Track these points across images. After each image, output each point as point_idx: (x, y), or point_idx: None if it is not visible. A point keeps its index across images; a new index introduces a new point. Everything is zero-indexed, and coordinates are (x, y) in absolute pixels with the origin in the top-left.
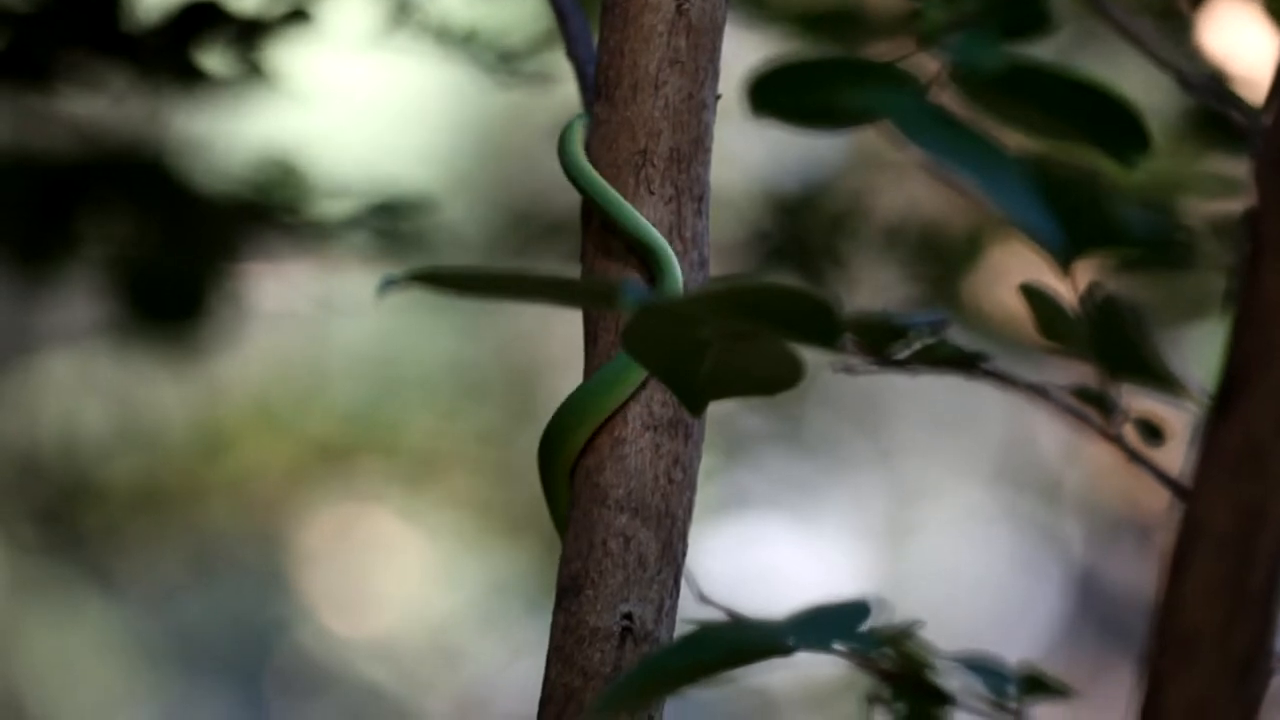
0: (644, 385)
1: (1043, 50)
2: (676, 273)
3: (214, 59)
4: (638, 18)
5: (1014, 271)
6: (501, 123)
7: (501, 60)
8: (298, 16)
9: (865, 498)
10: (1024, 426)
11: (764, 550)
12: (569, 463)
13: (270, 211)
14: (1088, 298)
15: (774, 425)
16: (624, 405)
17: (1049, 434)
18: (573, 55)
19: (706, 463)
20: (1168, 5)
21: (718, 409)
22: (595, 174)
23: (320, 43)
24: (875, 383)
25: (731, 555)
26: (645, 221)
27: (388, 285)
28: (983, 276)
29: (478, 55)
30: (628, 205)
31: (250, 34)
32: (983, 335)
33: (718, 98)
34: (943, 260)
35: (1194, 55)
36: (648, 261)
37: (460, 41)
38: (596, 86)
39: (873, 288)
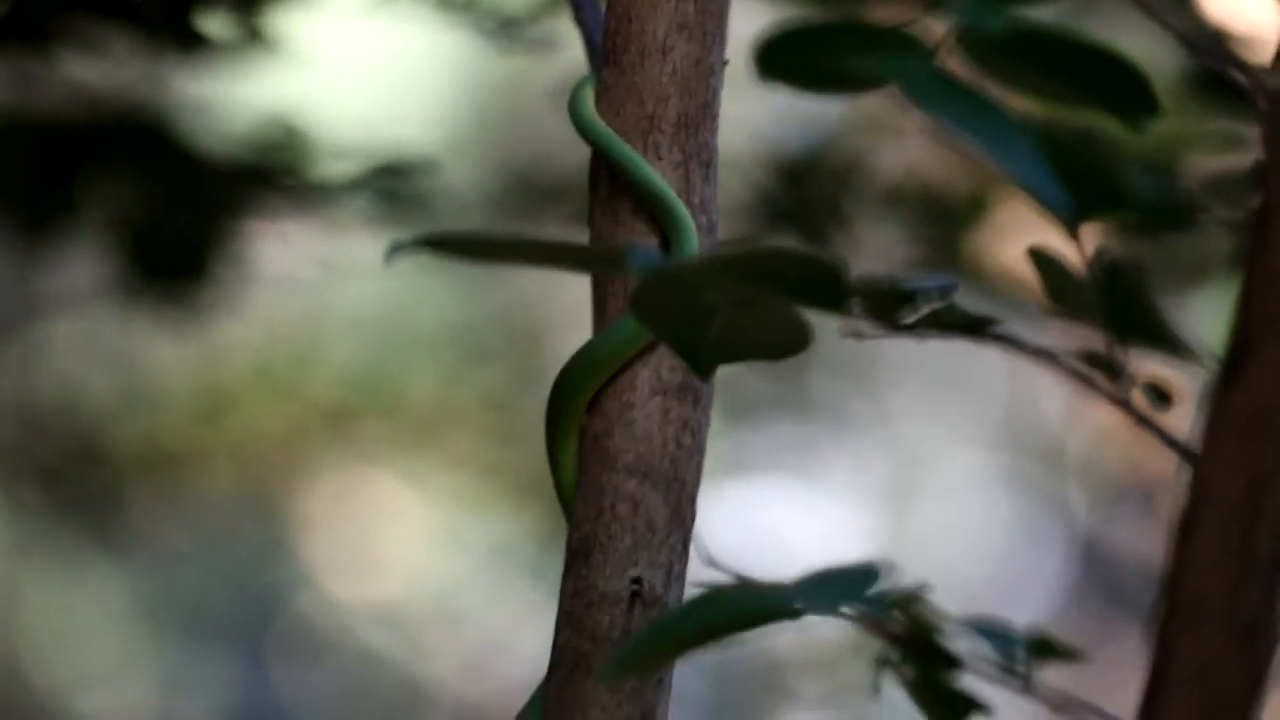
0: (653, 347)
1: (1047, 13)
2: (692, 232)
3: (215, 23)
4: None
5: (1015, 231)
6: (503, 87)
7: (503, 26)
8: None
9: (867, 461)
10: (1026, 390)
11: (765, 513)
12: (579, 412)
13: (272, 174)
14: (1095, 261)
15: (776, 388)
16: (633, 370)
17: (1051, 397)
18: (580, 21)
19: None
20: None
21: (720, 372)
22: (609, 130)
23: (322, 7)
24: (877, 346)
25: (733, 518)
26: (660, 178)
27: (396, 250)
28: (984, 236)
29: (479, 21)
30: (643, 161)
31: None
32: (984, 295)
33: (725, 63)
34: (945, 221)
35: (1196, 15)
36: (661, 221)
37: (462, 7)
38: (604, 52)
39: (876, 249)
